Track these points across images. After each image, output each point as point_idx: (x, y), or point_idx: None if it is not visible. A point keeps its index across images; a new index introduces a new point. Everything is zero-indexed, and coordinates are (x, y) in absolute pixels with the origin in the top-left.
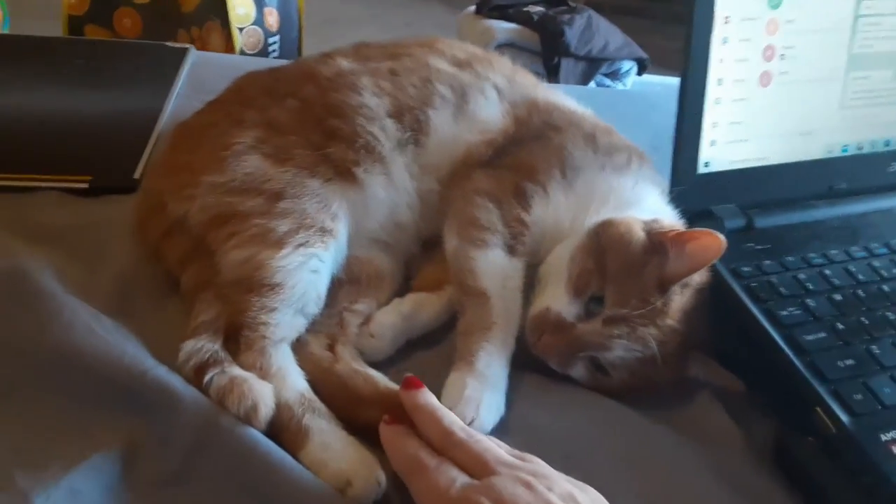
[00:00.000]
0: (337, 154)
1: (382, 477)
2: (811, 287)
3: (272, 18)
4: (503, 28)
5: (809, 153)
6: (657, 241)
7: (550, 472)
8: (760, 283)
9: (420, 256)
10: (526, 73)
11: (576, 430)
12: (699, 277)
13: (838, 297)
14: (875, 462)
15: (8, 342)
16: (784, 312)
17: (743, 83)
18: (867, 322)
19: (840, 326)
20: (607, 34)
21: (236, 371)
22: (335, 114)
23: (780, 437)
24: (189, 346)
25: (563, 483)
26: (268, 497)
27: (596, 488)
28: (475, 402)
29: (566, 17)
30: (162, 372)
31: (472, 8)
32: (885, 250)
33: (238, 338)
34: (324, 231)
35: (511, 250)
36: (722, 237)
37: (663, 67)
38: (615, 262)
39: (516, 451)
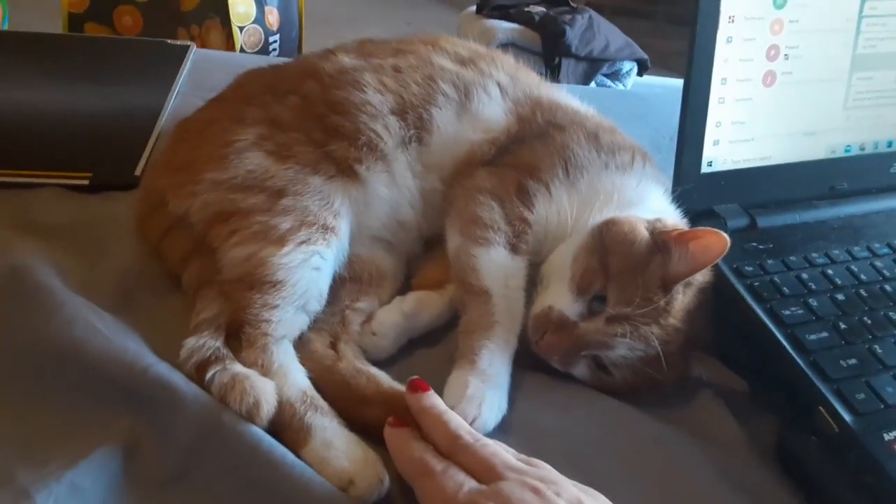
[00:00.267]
0: (339, 151)
1: (385, 475)
2: (814, 287)
3: (272, 17)
4: (504, 28)
5: (812, 153)
6: (660, 240)
7: (558, 477)
8: (763, 282)
9: (422, 255)
10: (529, 72)
11: (578, 429)
12: (702, 277)
13: (841, 296)
14: (878, 461)
15: (9, 338)
16: (787, 312)
17: (747, 83)
18: (870, 321)
19: (842, 326)
20: (608, 35)
21: (238, 368)
22: (338, 111)
23: (782, 436)
24: (191, 343)
25: (571, 488)
26: (270, 495)
27: (598, 487)
28: (477, 400)
29: (567, 17)
30: (163, 369)
31: (473, 8)
32: (887, 250)
33: (240, 335)
34: (326, 228)
35: (514, 249)
36: (726, 236)
37: (663, 69)
38: (618, 261)
39: (523, 456)
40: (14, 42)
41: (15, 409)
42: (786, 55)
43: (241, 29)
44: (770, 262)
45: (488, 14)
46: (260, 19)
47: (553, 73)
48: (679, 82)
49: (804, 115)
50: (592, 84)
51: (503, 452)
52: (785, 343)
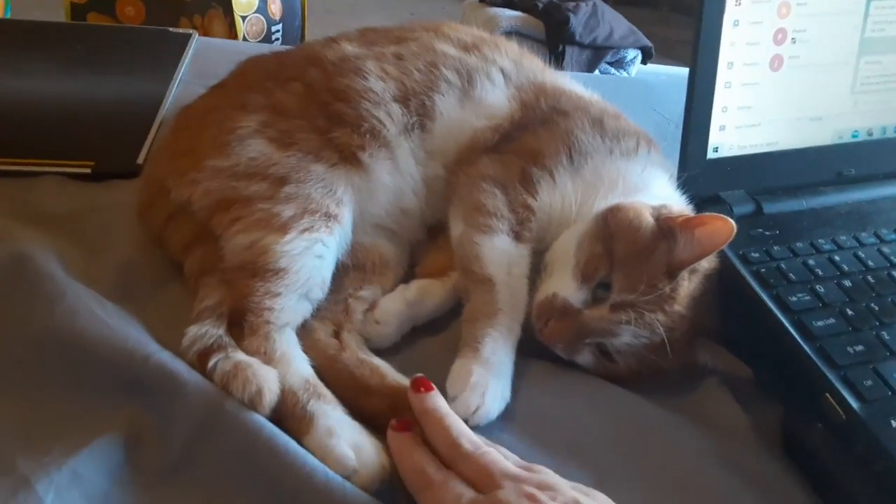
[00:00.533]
0: (342, 139)
1: (388, 463)
2: (820, 273)
3: (275, 6)
4: (508, 16)
5: (819, 139)
6: (666, 226)
7: (557, 481)
8: (769, 268)
9: (425, 243)
10: (533, 57)
11: (582, 417)
12: (708, 263)
13: (848, 282)
14: (886, 448)
15: (10, 327)
16: (793, 298)
17: (753, 67)
18: (877, 308)
19: (850, 312)
20: (612, 22)
21: (241, 356)
22: (340, 98)
23: (788, 423)
24: (193, 331)
25: (569, 491)
26: (272, 483)
27: (601, 475)
28: (481, 389)
29: (571, 4)
30: (166, 357)
31: None
32: (894, 236)
33: (242, 323)
34: (329, 216)
35: (517, 236)
36: (732, 222)
37: (668, 58)
38: (623, 248)
39: (524, 463)
40: (15, 31)
41: (16, 397)
42: (793, 39)
43: (244, 18)
44: (776, 248)
45: (491, 2)
46: (262, 9)
47: (557, 60)
48: (684, 71)
49: (811, 100)
50: (596, 72)
51: (502, 460)
52: (791, 329)
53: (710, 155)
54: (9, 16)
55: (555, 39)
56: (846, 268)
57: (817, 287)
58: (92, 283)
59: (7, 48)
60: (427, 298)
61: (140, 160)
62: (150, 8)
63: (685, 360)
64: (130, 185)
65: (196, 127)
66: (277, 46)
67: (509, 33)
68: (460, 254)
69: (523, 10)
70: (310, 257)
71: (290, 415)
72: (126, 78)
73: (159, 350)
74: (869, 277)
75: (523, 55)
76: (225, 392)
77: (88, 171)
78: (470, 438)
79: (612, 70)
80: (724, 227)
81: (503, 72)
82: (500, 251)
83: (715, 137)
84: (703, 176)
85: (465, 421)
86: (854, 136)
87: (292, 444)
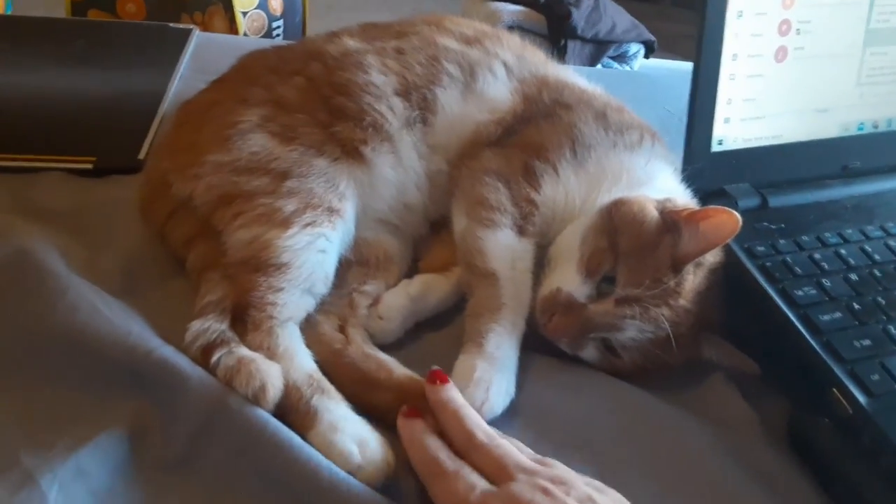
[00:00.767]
0: (344, 133)
1: (392, 458)
2: (826, 267)
3: (276, 2)
4: (509, 10)
5: (825, 131)
6: (671, 219)
7: (570, 475)
8: (775, 262)
9: (428, 237)
10: (535, 51)
11: (587, 413)
12: (713, 257)
13: (854, 276)
14: (893, 442)
15: (13, 322)
16: (799, 292)
17: (758, 59)
18: (884, 302)
19: (856, 306)
20: (614, 16)
21: (244, 351)
22: (342, 92)
23: (794, 418)
24: (196, 326)
25: (583, 487)
26: (277, 478)
27: (607, 470)
28: (485, 384)
29: None
30: (169, 352)
31: None
32: None
33: (245, 318)
34: (331, 211)
35: (520, 230)
36: (737, 215)
37: (670, 52)
38: (628, 242)
39: (538, 456)
40: (16, 27)
41: (20, 392)
42: (797, 30)
43: (245, 14)
44: (782, 241)
45: None
46: (263, 4)
47: (559, 55)
48: (687, 65)
49: (816, 92)
50: (599, 66)
51: (516, 453)
52: (797, 324)
53: (715, 148)
54: (10, 12)
55: (557, 34)
56: (852, 261)
57: (823, 281)
58: (94, 279)
59: (8, 44)
60: (430, 293)
61: (141, 156)
62: (150, 4)
63: (690, 355)
64: (132, 181)
65: (197, 122)
66: (279, 41)
67: (511, 28)
68: (463, 248)
69: (525, 5)
70: (312, 252)
71: (293, 410)
72: (127, 74)
73: (162, 345)
74: (875, 271)
75: (525, 48)
76: (228, 387)
77: (90, 166)
78: (485, 430)
79: (615, 65)
80: (729, 220)
81: (505, 65)
82: (503, 246)
83: (719, 130)
84: (707, 169)
85: None
86: (860, 129)
87: (297, 439)
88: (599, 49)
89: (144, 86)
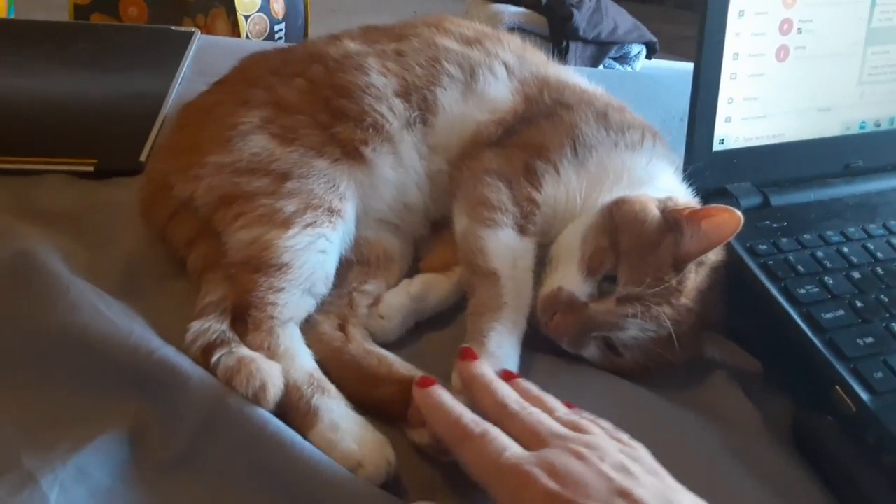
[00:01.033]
0: (345, 133)
1: (393, 456)
2: (829, 265)
3: (278, 6)
4: (511, 12)
5: (826, 130)
6: (672, 218)
7: (604, 441)
8: (777, 261)
9: (429, 237)
10: (536, 51)
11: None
12: (715, 256)
13: (857, 274)
14: None
15: (14, 323)
16: (802, 290)
17: (759, 58)
18: (886, 299)
19: (859, 304)
20: (616, 17)
21: (244, 351)
22: (343, 94)
23: (797, 417)
24: (196, 326)
25: (616, 454)
26: (278, 477)
27: None
28: None
29: (574, 0)
30: (169, 352)
31: None
32: None
33: (245, 318)
34: (331, 211)
35: (522, 230)
36: (739, 213)
37: (672, 54)
38: (629, 241)
39: (574, 418)
40: (19, 31)
41: (20, 393)
42: (799, 29)
43: (247, 17)
44: (784, 240)
45: None
46: (265, 8)
47: (561, 56)
48: (689, 66)
49: (818, 91)
50: (600, 67)
51: (549, 419)
52: (800, 322)
53: (717, 147)
54: (12, 16)
55: (558, 35)
56: (855, 259)
57: (826, 279)
58: (95, 280)
59: (11, 48)
60: (431, 293)
61: (143, 157)
62: (153, 8)
63: (692, 354)
64: (133, 183)
65: (198, 123)
66: (280, 44)
67: (512, 29)
68: (464, 248)
69: (526, 6)
70: (313, 252)
71: (294, 409)
72: (128, 76)
73: (163, 345)
74: (878, 269)
75: (526, 49)
76: (229, 387)
77: (91, 168)
78: (517, 399)
79: (617, 66)
80: (730, 218)
81: (506, 65)
82: (504, 245)
83: (721, 129)
84: (709, 168)
85: None
86: (861, 127)
87: (297, 438)
88: (601, 50)
89: (146, 88)
